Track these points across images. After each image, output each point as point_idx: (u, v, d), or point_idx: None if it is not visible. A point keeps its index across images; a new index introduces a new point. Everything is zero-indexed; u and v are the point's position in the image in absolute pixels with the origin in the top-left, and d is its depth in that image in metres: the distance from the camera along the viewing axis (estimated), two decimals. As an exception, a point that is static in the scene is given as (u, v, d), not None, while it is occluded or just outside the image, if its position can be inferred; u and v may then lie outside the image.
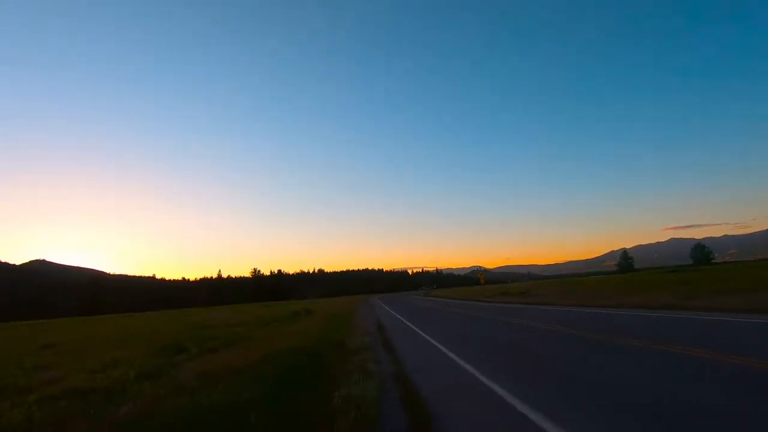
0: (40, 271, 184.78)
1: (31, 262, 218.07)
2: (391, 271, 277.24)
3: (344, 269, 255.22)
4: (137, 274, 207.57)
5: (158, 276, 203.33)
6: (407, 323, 18.62)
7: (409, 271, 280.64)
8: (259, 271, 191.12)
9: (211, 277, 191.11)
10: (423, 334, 13.46)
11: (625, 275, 70.84)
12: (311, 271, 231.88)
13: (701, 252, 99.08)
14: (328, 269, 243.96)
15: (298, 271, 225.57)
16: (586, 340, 9.21)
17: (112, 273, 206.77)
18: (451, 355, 8.68)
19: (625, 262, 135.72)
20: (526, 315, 17.43)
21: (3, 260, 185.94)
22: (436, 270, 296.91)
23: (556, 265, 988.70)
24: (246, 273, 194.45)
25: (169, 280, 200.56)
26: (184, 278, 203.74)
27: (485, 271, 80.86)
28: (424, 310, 29.20)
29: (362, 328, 16.92)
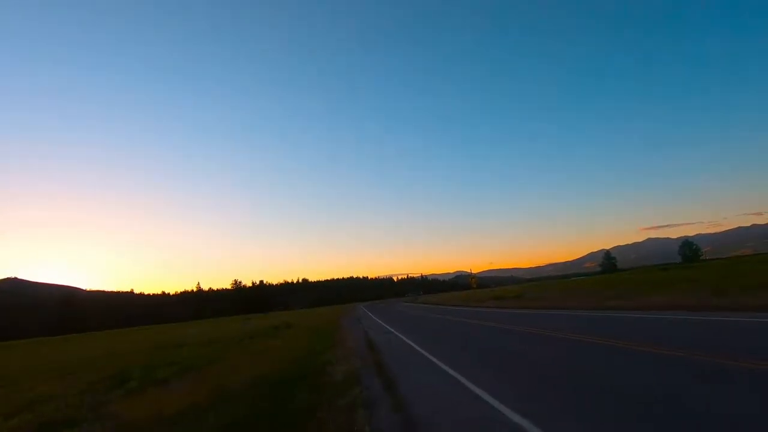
0: (12, 290, 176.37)
1: (3, 279, 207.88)
2: (376, 278, 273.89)
3: (329, 278, 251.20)
4: (115, 290, 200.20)
5: (137, 291, 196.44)
6: (403, 338, 15.23)
7: (394, 278, 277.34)
8: (240, 282, 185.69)
9: (192, 291, 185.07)
10: (430, 357, 9.61)
11: (617, 275, 69.48)
12: (295, 281, 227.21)
13: (690, 249, 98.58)
14: (312, 278, 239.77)
15: (281, 281, 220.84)
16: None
17: (88, 289, 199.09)
18: (484, 395, 5.61)
19: (608, 262, 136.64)
20: (557, 324, 14.72)
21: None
22: (421, 276, 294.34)
23: (538, 268, 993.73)
24: (227, 285, 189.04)
25: (149, 295, 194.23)
26: (164, 292, 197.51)
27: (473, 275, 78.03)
28: (419, 319, 26.23)
29: (349, 347, 13.98)
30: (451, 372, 7.53)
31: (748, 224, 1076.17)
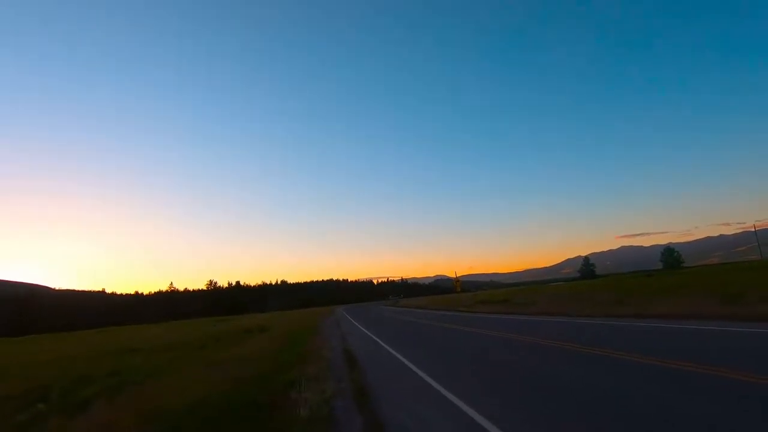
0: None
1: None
2: (356, 281, 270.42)
3: (308, 280, 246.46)
4: (86, 289, 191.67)
5: (109, 290, 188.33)
6: (392, 351, 12.01)
7: (375, 281, 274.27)
8: (215, 282, 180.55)
9: (165, 291, 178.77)
10: (435, 384, 6.73)
11: (602, 280, 68.92)
12: (273, 283, 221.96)
13: (671, 256, 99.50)
14: (291, 280, 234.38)
15: (259, 282, 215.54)
16: None
17: (56, 288, 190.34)
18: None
19: (586, 268, 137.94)
20: (573, 335, 12.79)
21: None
22: (402, 279, 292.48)
23: (517, 273, 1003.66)
24: (202, 285, 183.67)
25: (121, 295, 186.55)
26: (137, 292, 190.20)
27: (450, 279, 76.37)
28: (407, 326, 23.62)
29: (325, 358, 11.62)
30: (469, 411, 5.04)
31: (716, 234, 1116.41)
